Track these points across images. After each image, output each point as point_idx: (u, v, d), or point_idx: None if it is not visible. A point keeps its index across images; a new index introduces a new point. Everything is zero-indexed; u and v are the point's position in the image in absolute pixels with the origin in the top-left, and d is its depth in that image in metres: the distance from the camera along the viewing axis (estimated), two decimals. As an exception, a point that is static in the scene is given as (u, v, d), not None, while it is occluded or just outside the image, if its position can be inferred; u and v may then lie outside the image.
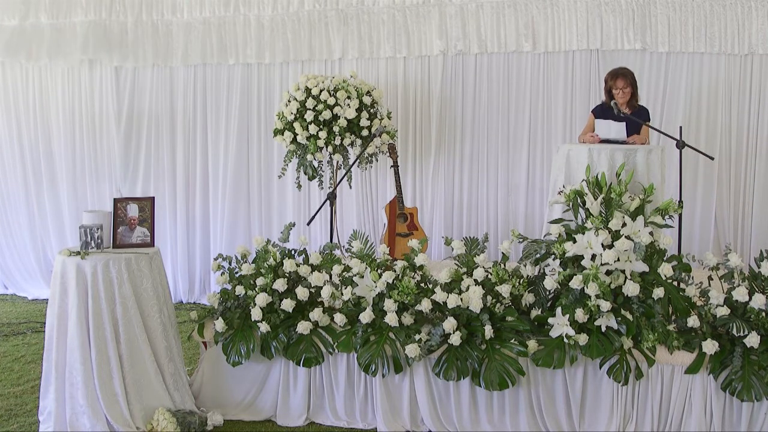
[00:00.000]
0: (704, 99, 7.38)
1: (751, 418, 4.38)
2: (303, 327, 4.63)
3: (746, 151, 7.35)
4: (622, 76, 6.25)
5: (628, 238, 4.36)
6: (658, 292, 4.36)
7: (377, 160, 7.12)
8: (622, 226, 4.42)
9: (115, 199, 4.75)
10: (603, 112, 6.26)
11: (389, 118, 7.02)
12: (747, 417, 4.38)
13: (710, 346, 4.28)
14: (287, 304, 4.65)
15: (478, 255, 4.75)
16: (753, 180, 7.41)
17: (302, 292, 4.71)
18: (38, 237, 8.48)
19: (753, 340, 4.23)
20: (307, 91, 6.68)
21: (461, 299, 4.46)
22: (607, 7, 7.32)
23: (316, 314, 4.66)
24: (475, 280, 4.58)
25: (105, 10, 8.00)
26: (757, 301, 4.28)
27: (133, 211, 4.72)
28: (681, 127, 5.70)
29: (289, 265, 4.79)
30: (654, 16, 7.29)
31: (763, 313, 4.29)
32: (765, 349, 4.29)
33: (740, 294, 4.34)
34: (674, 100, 7.42)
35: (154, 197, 4.87)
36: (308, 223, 5.65)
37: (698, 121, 7.38)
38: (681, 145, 5.32)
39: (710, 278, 4.64)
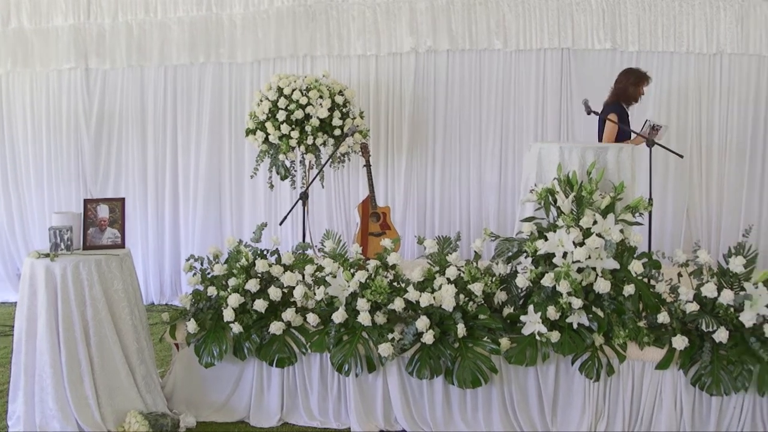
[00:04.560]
0: (674, 98, 7.46)
1: (720, 412, 4.43)
2: (276, 327, 4.62)
3: (716, 148, 7.45)
4: (647, 81, 6.49)
5: (599, 235, 4.39)
6: (629, 289, 4.40)
7: (349, 160, 7.12)
8: (593, 224, 4.45)
9: (85, 200, 4.72)
10: (623, 109, 6.45)
11: (362, 117, 7.02)
12: (716, 411, 4.43)
13: (680, 342, 4.32)
14: (260, 305, 4.63)
15: (451, 254, 4.76)
16: (723, 177, 7.51)
17: (275, 293, 4.69)
18: (5, 239, 8.38)
19: (722, 335, 4.27)
20: (279, 90, 6.66)
21: (434, 298, 4.47)
22: (577, 7, 7.38)
23: (288, 314, 4.64)
24: (448, 279, 4.59)
25: (83, 13, 7.93)
26: (726, 296, 4.32)
27: (103, 212, 4.68)
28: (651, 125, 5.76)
29: (261, 266, 4.77)
30: (624, 16, 7.36)
31: (732, 309, 4.33)
32: (733, 345, 4.33)
33: (709, 290, 4.38)
34: (644, 99, 7.45)
35: (124, 198, 4.84)
36: (280, 223, 5.64)
37: (668, 119, 7.46)
38: (651, 143, 5.37)
39: (680, 275, 4.68)
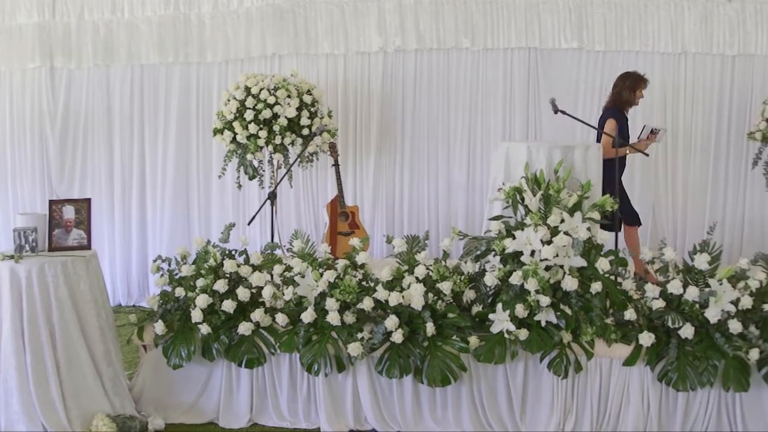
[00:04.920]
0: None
1: (686, 408, 4.49)
2: (244, 328, 4.60)
3: (681, 147, 7.55)
4: (645, 84, 6.48)
5: (566, 233, 4.42)
6: (596, 287, 4.43)
7: (318, 159, 7.10)
8: (561, 222, 4.48)
9: (50, 201, 4.67)
10: (621, 114, 6.43)
11: (330, 116, 7.01)
12: (683, 406, 4.49)
13: (647, 339, 4.37)
14: (228, 305, 4.61)
15: (420, 253, 4.77)
16: (688, 176, 7.60)
17: (243, 293, 4.67)
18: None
19: (687, 331, 4.33)
20: (247, 90, 6.63)
21: (403, 297, 4.47)
22: (544, 6, 7.42)
23: (257, 315, 4.63)
24: (417, 278, 4.59)
25: (48, 11, 7.84)
26: (691, 293, 4.37)
27: (69, 213, 4.64)
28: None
29: (229, 266, 4.75)
30: (590, 16, 7.42)
31: (697, 305, 4.38)
32: (699, 340, 4.39)
33: (675, 287, 4.44)
34: (605, 99, 7.54)
35: (90, 199, 4.79)
36: (249, 223, 5.63)
37: (634, 118, 7.50)
38: (617, 142, 5.42)
39: (646, 272, 4.73)
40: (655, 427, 4.50)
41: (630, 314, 4.48)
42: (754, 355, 4.29)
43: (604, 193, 6.15)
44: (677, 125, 7.54)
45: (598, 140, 6.41)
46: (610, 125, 6.25)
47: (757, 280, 4.51)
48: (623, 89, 6.42)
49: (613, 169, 6.15)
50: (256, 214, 5.64)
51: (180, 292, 4.78)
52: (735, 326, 4.31)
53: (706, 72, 7.51)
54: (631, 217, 6.38)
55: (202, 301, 4.62)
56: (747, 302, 4.36)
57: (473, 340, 4.44)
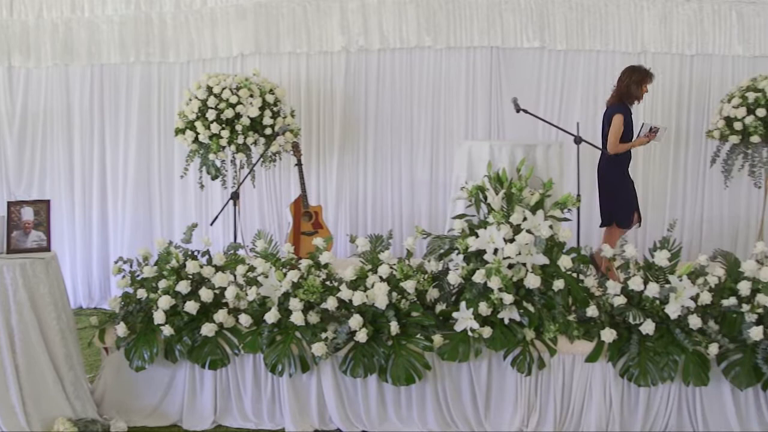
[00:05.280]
0: (600, 95, 7.59)
1: (648, 403, 4.55)
2: (207, 329, 4.57)
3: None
4: (651, 79, 6.48)
5: (528, 231, 4.45)
6: (559, 284, 4.47)
7: (281, 159, 7.08)
8: (523, 221, 4.50)
9: (8, 202, 4.59)
10: (627, 109, 6.44)
11: (293, 116, 6.98)
12: (644, 401, 4.54)
13: (608, 335, 4.41)
14: (191, 307, 4.58)
15: (383, 252, 4.77)
16: (648, 173, 7.69)
17: (206, 294, 4.64)
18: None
19: (648, 327, 4.38)
20: (209, 89, 6.58)
21: (367, 296, 4.48)
22: (506, 5, 7.46)
23: (220, 316, 4.60)
24: (381, 277, 4.60)
25: (6, 9, 7.72)
26: (652, 290, 4.42)
27: (27, 214, 4.57)
28: (578, 123, 5.86)
29: (192, 267, 4.72)
30: (552, 15, 7.48)
31: (658, 301, 4.43)
32: (660, 336, 4.45)
33: (636, 283, 4.48)
34: (572, 97, 7.64)
35: (50, 200, 4.73)
36: (211, 224, 5.58)
37: (595, 117, 7.58)
38: (578, 140, 5.46)
39: (608, 269, 4.77)
40: (617, 422, 4.55)
41: (592, 311, 4.52)
42: (713, 349, 4.36)
43: (608, 189, 6.34)
44: (637, 123, 7.61)
45: (604, 136, 6.46)
46: (618, 121, 6.27)
47: (716, 276, 4.59)
48: (630, 84, 6.38)
49: (618, 164, 6.21)
50: (219, 214, 5.60)
51: (142, 293, 4.73)
52: (694, 321, 4.37)
53: (665, 71, 7.60)
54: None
55: (165, 302, 4.59)
56: (706, 298, 4.43)
57: (437, 339, 4.45)
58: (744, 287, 4.44)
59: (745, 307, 4.39)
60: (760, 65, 7.41)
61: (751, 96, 6.58)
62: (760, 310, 4.36)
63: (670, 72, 7.60)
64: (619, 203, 6.43)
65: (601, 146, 6.39)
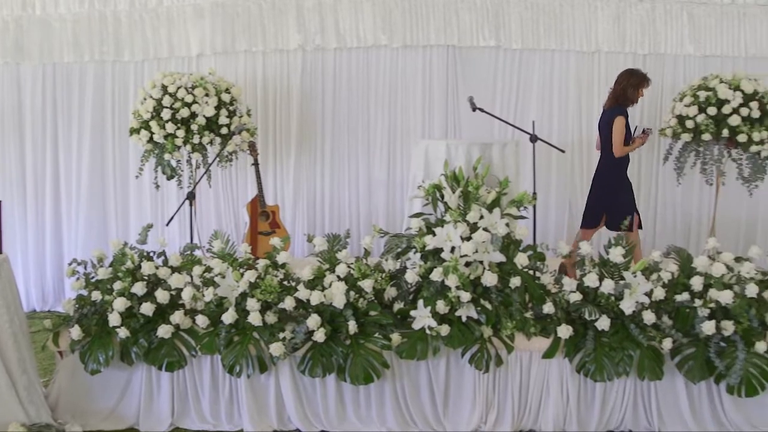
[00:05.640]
0: (555, 94, 7.70)
1: (604, 397, 4.61)
2: (164, 331, 4.52)
3: (596, 142, 7.68)
4: (648, 83, 6.49)
5: (485, 230, 4.47)
6: (515, 281, 4.50)
7: (237, 159, 7.05)
8: (480, 219, 4.52)
9: (-42, 204, 4.52)
10: (626, 112, 6.43)
11: (249, 115, 6.96)
12: (600, 396, 4.60)
13: (565, 331, 4.45)
14: (147, 308, 4.53)
15: (341, 251, 4.77)
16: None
17: (162, 295, 4.59)
18: None
19: (604, 323, 4.42)
20: (164, 88, 6.53)
21: (324, 296, 4.46)
22: (462, 4, 7.51)
23: (177, 317, 4.56)
24: (338, 276, 4.59)
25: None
26: (607, 286, 4.47)
27: (-22, 216, 4.49)
28: (534, 122, 5.92)
29: (147, 268, 4.67)
30: (507, 14, 7.54)
31: (613, 298, 4.48)
32: (615, 332, 4.49)
33: (591, 280, 4.52)
34: (527, 96, 7.71)
35: (1, 201, 4.65)
36: (167, 224, 5.54)
37: (550, 115, 7.69)
38: (534, 139, 5.51)
39: (564, 266, 4.81)
40: (574, 418, 4.60)
41: (548, 308, 4.56)
42: (667, 344, 4.42)
43: (606, 190, 6.37)
44: (591, 122, 7.70)
45: (603, 140, 6.46)
46: (621, 123, 6.27)
47: (669, 272, 4.65)
48: (628, 86, 6.38)
49: (618, 167, 6.24)
50: (175, 214, 5.56)
51: (97, 295, 4.67)
52: (649, 317, 4.42)
53: (618, 70, 7.63)
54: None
55: (120, 304, 4.53)
56: (660, 293, 4.49)
57: (395, 337, 4.46)
58: (696, 283, 4.51)
59: (698, 302, 4.46)
60: (710, 65, 7.54)
61: (703, 95, 6.69)
62: (712, 305, 4.43)
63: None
64: (617, 205, 6.40)
65: (600, 148, 6.51)
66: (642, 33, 7.62)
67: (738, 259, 4.66)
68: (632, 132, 6.45)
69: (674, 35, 7.65)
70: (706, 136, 6.66)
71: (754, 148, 6.62)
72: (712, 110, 6.62)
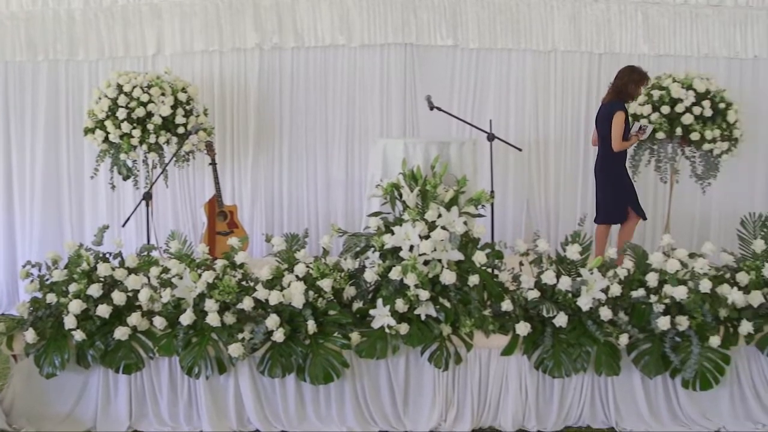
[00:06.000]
0: (512, 93, 7.76)
1: (562, 393, 4.66)
2: (121, 333, 4.47)
3: (553, 142, 7.79)
4: (648, 81, 6.51)
5: (443, 228, 4.49)
6: (474, 279, 4.52)
7: (194, 158, 6.99)
8: (438, 217, 4.54)
9: None
10: (625, 108, 6.43)
11: (206, 114, 6.91)
12: (558, 392, 4.65)
13: (523, 328, 4.49)
14: (103, 310, 4.48)
15: (299, 251, 4.76)
16: (560, 169, 7.87)
17: (119, 297, 4.54)
18: None
19: (561, 320, 4.47)
20: (119, 87, 6.45)
21: (283, 295, 4.45)
22: (420, 3, 7.54)
23: (134, 319, 4.51)
24: (297, 276, 4.58)
25: None
26: (564, 283, 4.52)
27: (-72, 219, 4.40)
28: (491, 121, 5.94)
29: (103, 269, 4.62)
30: (465, 14, 7.58)
31: (570, 294, 4.53)
32: (572, 328, 4.54)
33: (548, 277, 4.57)
34: (484, 95, 7.75)
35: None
36: (123, 225, 5.49)
37: (507, 114, 7.75)
38: (491, 137, 5.54)
39: (521, 263, 4.85)
40: (533, 414, 4.64)
41: (507, 305, 4.59)
42: (623, 340, 4.48)
43: (611, 185, 6.41)
44: (548, 120, 7.80)
45: (601, 134, 6.48)
46: (621, 118, 6.27)
47: (625, 269, 4.71)
48: (629, 82, 6.37)
49: (618, 160, 6.26)
50: (131, 215, 5.50)
51: (52, 298, 4.60)
52: (605, 313, 4.48)
53: (574, 69, 7.80)
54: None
55: (76, 306, 4.47)
56: (616, 290, 4.55)
57: (355, 337, 4.46)
58: (652, 279, 4.58)
59: (653, 298, 4.53)
60: (664, 64, 7.65)
61: (656, 94, 6.79)
62: (667, 301, 4.50)
63: (579, 70, 7.80)
64: (623, 196, 6.47)
65: (600, 144, 6.52)
66: (598, 33, 7.71)
67: (692, 256, 4.74)
68: (631, 127, 6.52)
69: (629, 35, 7.75)
70: (660, 135, 6.75)
71: (706, 146, 6.73)
72: (665, 109, 6.71)
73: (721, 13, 7.78)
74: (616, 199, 6.47)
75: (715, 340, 4.49)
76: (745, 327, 4.54)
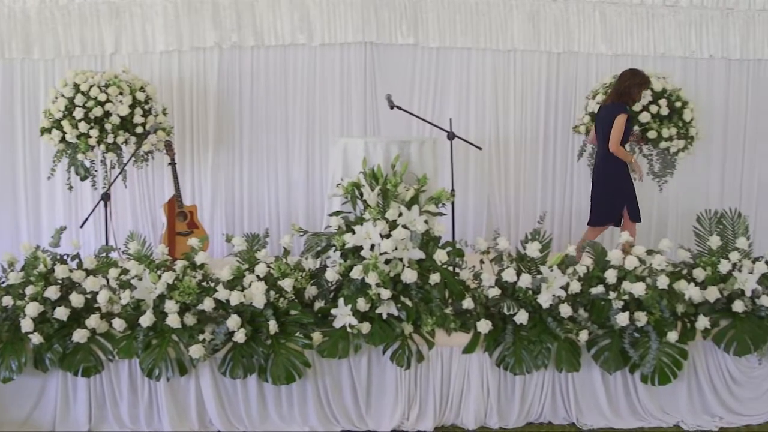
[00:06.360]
0: (472, 92, 7.80)
1: (523, 390, 4.69)
2: (79, 335, 4.41)
3: (513, 141, 7.84)
4: (649, 85, 6.54)
5: (404, 227, 4.50)
6: (435, 278, 4.54)
7: (153, 158, 6.93)
8: (399, 216, 4.55)
9: None
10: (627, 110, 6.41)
11: (165, 114, 6.85)
12: (520, 389, 4.68)
13: (484, 326, 4.51)
14: (61, 313, 4.42)
15: (260, 250, 4.74)
16: (520, 168, 7.93)
17: (77, 299, 4.49)
18: None
19: (522, 317, 4.50)
20: (76, 87, 6.38)
21: (244, 296, 4.43)
22: (381, 2, 7.53)
23: (93, 321, 4.45)
24: (258, 276, 4.56)
25: None
26: (524, 280, 4.56)
27: None
28: (451, 119, 5.96)
29: (61, 271, 4.56)
30: (425, 12, 7.60)
31: (530, 292, 4.56)
32: (533, 325, 4.58)
33: (509, 275, 4.60)
34: (445, 93, 7.78)
35: None
36: (81, 226, 5.42)
37: (467, 113, 7.79)
38: (451, 136, 5.55)
39: (482, 261, 4.87)
40: (495, 411, 4.67)
41: (468, 303, 4.61)
42: (583, 336, 4.52)
43: (606, 185, 6.44)
44: (508, 119, 7.85)
45: (600, 135, 6.46)
46: (623, 120, 6.24)
47: (584, 266, 4.76)
48: (633, 85, 6.35)
49: (620, 163, 6.28)
50: (89, 216, 5.43)
51: (8, 301, 4.53)
52: (565, 310, 4.52)
53: (533, 68, 7.86)
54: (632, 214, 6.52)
55: (33, 309, 4.40)
56: (576, 287, 4.59)
57: (316, 336, 4.45)
58: (611, 275, 4.63)
59: (612, 295, 4.58)
60: (621, 63, 7.74)
61: (614, 92, 6.85)
62: (626, 297, 4.55)
63: (538, 69, 7.86)
64: (618, 197, 6.45)
65: (600, 145, 6.50)
66: (556, 32, 7.78)
67: (650, 252, 4.80)
68: (632, 130, 6.56)
69: (587, 34, 7.83)
70: (617, 133, 6.82)
71: (663, 144, 6.83)
72: (623, 107, 6.78)
73: (677, 14, 7.89)
74: (609, 199, 6.47)
75: (672, 336, 4.56)
76: (702, 322, 4.62)
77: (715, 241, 4.96)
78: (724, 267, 4.79)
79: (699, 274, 4.80)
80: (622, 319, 4.48)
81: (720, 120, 8.14)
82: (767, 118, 8.24)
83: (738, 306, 4.68)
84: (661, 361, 4.56)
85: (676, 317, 4.66)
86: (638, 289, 4.50)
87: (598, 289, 4.62)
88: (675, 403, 4.79)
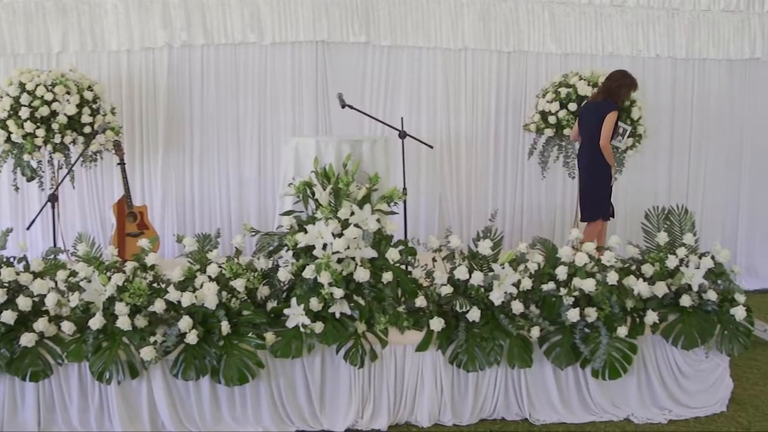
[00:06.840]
0: (423, 91, 7.83)
1: (476, 387, 4.73)
2: (27, 339, 4.33)
3: (464, 139, 7.89)
4: (637, 88, 6.58)
5: (356, 226, 4.50)
6: (387, 276, 4.55)
7: (102, 158, 6.85)
8: (351, 215, 4.55)
9: None
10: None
11: (113, 113, 6.77)
12: (473, 385, 4.72)
13: (437, 324, 4.53)
14: (7, 316, 4.33)
15: (211, 251, 4.71)
16: (471, 166, 7.98)
17: (24, 302, 4.40)
18: None
19: (474, 314, 4.53)
20: (22, 86, 6.26)
21: (196, 297, 4.39)
22: (332, 0, 7.50)
23: (40, 324, 4.37)
24: (209, 277, 4.53)
25: None
26: (476, 278, 4.58)
27: None
28: (402, 118, 5.98)
29: (7, 274, 4.47)
30: (376, 11, 7.61)
31: (482, 289, 4.60)
32: (485, 322, 4.61)
33: (461, 273, 4.63)
34: (396, 92, 7.80)
35: None
36: (28, 228, 5.32)
37: (419, 112, 7.82)
38: (403, 135, 5.57)
39: (434, 260, 4.89)
40: (448, 408, 4.69)
41: (420, 301, 4.63)
42: (535, 332, 4.58)
43: (598, 180, 6.50)
44: (459, 118, 7.90)
45: (587, 131, 6.52)
46: (614, 117, 6.35)
47: (536, 263, 4.80)
48: (622, 85, 6.46)
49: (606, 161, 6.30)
50: (36, 217, 5.34)
51: (-48, 305, 4.44)
52: (517, 307, 4.56)
53: (484, 67, 7.91)
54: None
55: (-22, 313, 4.33)
56: (527, 284, 4.63)
57: (269, 336, 4.43)
58: (561, 272, 4.69)
59: (563, 291, 4.63)
60: (570, 62, 7.85)
61: (564, 91, 6.95)
62: (576, 293, 4.61)
63: (489, 68, 7.92)
64: (608, 192, 6.57)
65: (587, 141, 6.57)
66: (506, 31, 7.84)
67: (599, 249, 4.86)
68: (619, 129, 6.66)
69: (537, 33, 7.91)
70: (568, 131, 6.91)
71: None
72: (572, 106, 6.88)
73: (624, 13, 8.01)
74: (604, 194, 6.57)
75: (622, 331, 4.63)
76: (651, 317, 4.70)
77: (662, 238, 5.04)
78: (671, 263, 4.88)
79: (647, 269, 4.88)
80: (572, 315, 4.53)
81: (667, 118, 8.29)
82: (712, 117, 8.41)
83: (685, 300, 4.77)
84: (611, 355, 4.63)
85: (625, 312, 4.74)
86: (588, 285, 4.57)
87: (549, 286, 4.67)
88: (625, 397, 4.87)
